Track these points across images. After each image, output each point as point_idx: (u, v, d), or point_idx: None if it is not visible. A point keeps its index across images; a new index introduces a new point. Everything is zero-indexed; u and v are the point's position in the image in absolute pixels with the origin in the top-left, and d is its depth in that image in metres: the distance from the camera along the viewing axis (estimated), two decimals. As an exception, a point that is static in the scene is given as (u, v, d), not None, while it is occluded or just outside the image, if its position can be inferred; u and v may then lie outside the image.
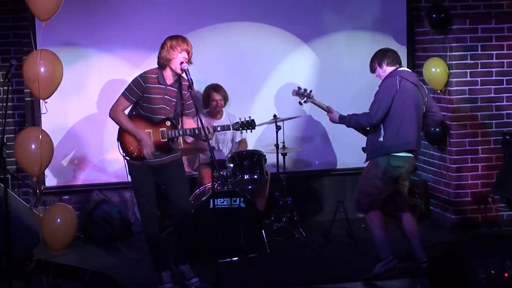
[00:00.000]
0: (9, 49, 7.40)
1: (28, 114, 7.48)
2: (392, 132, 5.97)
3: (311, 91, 6.53)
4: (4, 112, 6.01)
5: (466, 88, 7.50)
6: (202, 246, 6.50)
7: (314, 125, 7.93)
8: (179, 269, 6.06)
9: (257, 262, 6.59)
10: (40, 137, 5.92)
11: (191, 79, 5.79)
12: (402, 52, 8.03)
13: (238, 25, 7.74)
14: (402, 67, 6.21)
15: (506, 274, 5.08)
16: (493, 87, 7.53)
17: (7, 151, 6.66)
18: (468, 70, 7.48)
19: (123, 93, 5.89)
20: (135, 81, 5.88)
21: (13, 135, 7.46)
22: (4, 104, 6.00)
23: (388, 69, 6.14)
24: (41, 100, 6.09)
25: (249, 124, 6.07)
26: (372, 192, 6.08)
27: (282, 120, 7.16)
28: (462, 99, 7.49)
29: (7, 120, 6.72)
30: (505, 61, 7.51)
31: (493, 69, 7.51)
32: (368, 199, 6.10)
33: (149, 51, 7.34)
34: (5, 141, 5.81)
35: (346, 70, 7.93)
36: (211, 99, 7.36)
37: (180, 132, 5.93)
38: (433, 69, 7.50)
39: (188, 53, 5.82)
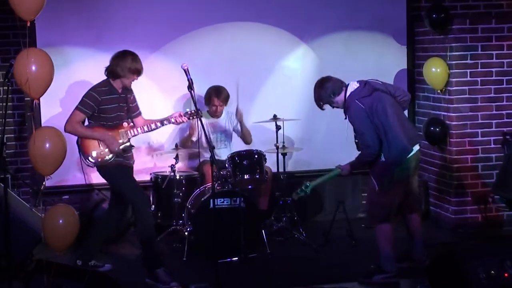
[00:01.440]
0: (9, 49, 7.40)
1: (28, 114, 7.48)
2: (388, 147, 5.80)
3: (306, 183, 6.26)
4: (4, 112, 6.01)
5: (466, 88, 7.50)
6: (202, 246, 6.50)
7: (314, 125, 7.93)
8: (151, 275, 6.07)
9: (257, 262, 6.59)
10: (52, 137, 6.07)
11: (191, 79, 5.80)
12: (402, 52, 8.06)
13: (238, 25, 7.74)
14: (344, 86, 5.95)
15: (506, 274, 5.07)
16: (493, 87, 7.53)
17: (7, 151, 6.65)
18: (468, 70, 7.48)
19: (77, 108, 6.12)
20: (89, 95, 6.12)
21: (13, 135, 7.47)
22: (4, 104, 6.00)
23: (339, 99, 5.95)
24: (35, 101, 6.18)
25: (196, 113, 6.25)
26: (387, 202, 5.92)
27: (282, 120, 7.17)
28: (462, 99, 7.49)
29: (7, 120, 6.72)
30: (505, 61, 7.51)
31: (493, 69, 7.50)
32: (383, 210, 5.94)
33: (148, 51, 7.37)
34: (5, 141, 5.80)
35: (346, 71, 7.88)
36: (211, 103, 7.36)
37: (138, 130, 6.24)
38: (433, 69, 7.51)
39: (139, 75, 6.18)
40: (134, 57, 6.15)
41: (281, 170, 7.21)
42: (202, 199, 6.69)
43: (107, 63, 7.54)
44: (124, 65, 6.09)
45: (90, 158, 6.15)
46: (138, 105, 6.38)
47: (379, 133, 5.81)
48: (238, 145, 7.58)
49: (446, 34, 7.50)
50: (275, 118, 7.15)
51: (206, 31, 7.65)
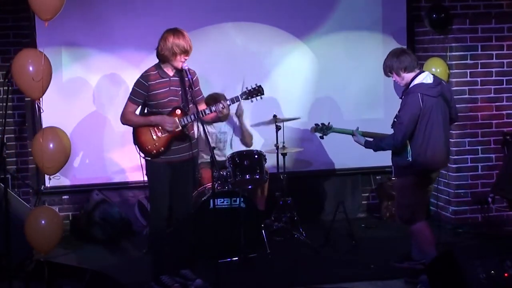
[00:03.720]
0: (9, 49, 7.40)
1: (28, 114, 7.48)
2: (421, 152, 5.74)
3: (329, 123, 6.56)
4: (4, 112, 6.01)
5: (466, 88, 7.51)
6: (202, 246, 6.51)
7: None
8: (180, 273, 6.04)
9: (257, 262, 6.59)
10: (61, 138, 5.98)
11: (191, 79, 5.78)
12: (402, 52, 8.06)
13: (238, 25, 7.74)
14: (421, 72, 5.86)
15: (506, 274, 5.08)
16: (493, 87, 7.54)
17: (7, 151, 6.65)
18: (468, 70, 7.49)
19: (129, 98, 5.86)
20: (137, 83, 5.84)
21: (13, 135, 7.47)
22: (4, 104, 6.00)
23: (407, 76, 5.83)
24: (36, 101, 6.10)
25: (257, 91, 5.94)
26: (412, 202, 5.91)
27: (282, 120, 7.17)
28: (462, 99, 7.49)
29: (7, 120, 6.72)
30: (505, 61, 7.52)
31: (493, 69, 7.51)
32: (408, 210, 5.93)
33: (148, 51, 7.30)
34: (5, 141, 5.80)
35: (345, 70, 7.94)
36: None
37: (192, 117, 5.82)
38: (433, 69, 7.50)
39: (187, 54, 5.78)
40: (178, 34, 5.74)
41: (281, 170, 7.21)
42: (202, 199, 6.69)
43: (107, 63, 7.57)
44: (168, 42, 5.71)
45: (143, 152, 5.85)
46: (200, 91, 5.97)
47: (419, 137, 5.73)
48: (238, 145, 7.58)
49: (446, 34, 7.51)
50: (275, 118, 7.15)
51: (206, 31, 7.65)
